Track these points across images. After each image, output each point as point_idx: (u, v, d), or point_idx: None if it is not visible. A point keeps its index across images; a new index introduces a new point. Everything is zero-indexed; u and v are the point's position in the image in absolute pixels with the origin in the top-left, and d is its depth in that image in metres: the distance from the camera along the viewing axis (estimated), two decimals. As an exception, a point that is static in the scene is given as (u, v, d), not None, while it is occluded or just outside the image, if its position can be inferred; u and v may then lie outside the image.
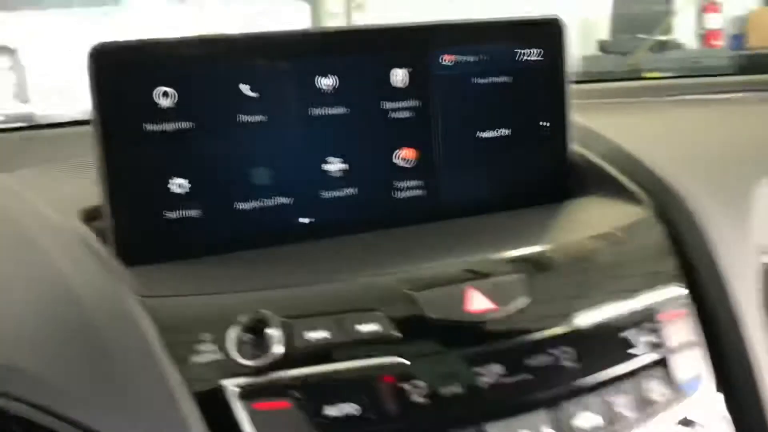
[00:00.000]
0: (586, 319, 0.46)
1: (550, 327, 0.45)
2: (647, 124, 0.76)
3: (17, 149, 0.75)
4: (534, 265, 0.48)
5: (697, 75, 1.21)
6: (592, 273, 0.49)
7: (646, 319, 0.47)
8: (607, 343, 0.45)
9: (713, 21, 4.26)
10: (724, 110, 0.87)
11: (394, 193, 0.57)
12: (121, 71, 0.49)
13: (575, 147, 0.61)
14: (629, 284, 0.49)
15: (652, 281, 0.50)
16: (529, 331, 0.44)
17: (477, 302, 0.44)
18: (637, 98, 0.94)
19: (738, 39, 4.25)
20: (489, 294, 0.45)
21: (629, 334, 0.46)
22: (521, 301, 0.45)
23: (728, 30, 4.27)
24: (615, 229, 0.53)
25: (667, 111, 0.87)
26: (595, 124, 0.66)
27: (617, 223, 0.53)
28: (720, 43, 4.15)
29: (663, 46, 3.72)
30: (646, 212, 0.55)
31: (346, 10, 4.15)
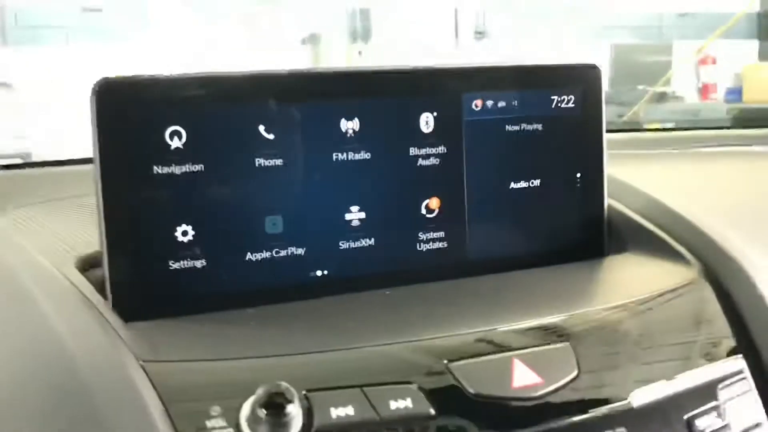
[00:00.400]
0: (640, 395, 0.41)
1: (600, 404, 0.40)
2: (667, 176, 0.73)
3: (12, 188, 0.71)
4: (579, 332, 0.44)
5: (698, 128, 1.19)
6: (642, 341, 0.44)
7: (705, 394, 0.42)
8: (664, 424, 0.40)
9: (709, 74, 4.30)
10: (736, 162, 0.84)
11: (418, 245, 0.52)
12: (128, 109, 0.45)
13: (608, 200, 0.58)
14: (683, 354, 0.45)
15: (709, 351, 0.45)
16: (578, 410, 0.39)
17: (523, 376, 0.39)
18: (642, 150, 0.91)
19: (735, 93, 4.29)
20: (534, 366, 0.40)
21: (688, 413, 0.41)
22: (569, 374, 0.40)
23: (725, 83, 4.30)
24: (663, 291, 0.48)
25: (680, 163, 0.83)
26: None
27: (664, 285, 0.49)
28: (717, 96, 4.18)
29: (662, 97, 3.75)
30: (693, 272, 0.51)
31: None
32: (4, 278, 0.44)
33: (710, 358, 0.44)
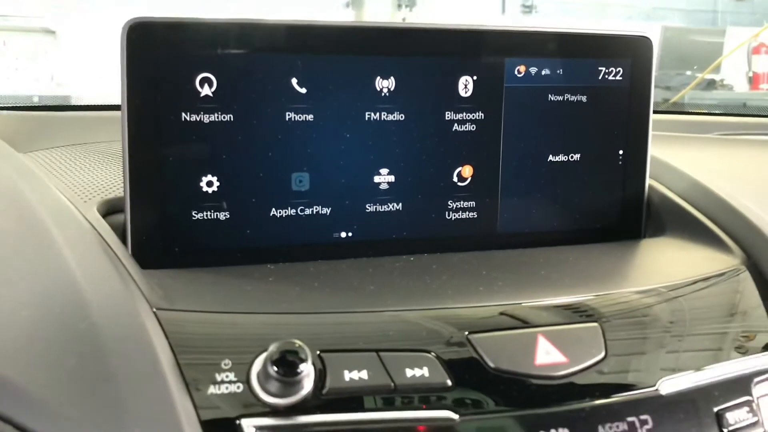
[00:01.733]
0: (668, 383, 0.39)
1: (626, 390, 0.38)
2: (712, 160, 0.70)
3: (44, 129, 0.71)
4: (609, 313, 0.42)
5: (746, 114, 1.14)
6: (675, 328, 0.42)
7: (738, 388, 0.40)
8: (692, 415, 0.38)
9: (761, 63, 4.15)
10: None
11: (447, 214, 0.51)
12: (159, 51, 0.43)
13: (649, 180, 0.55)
14: (717, 344, 0.42)
15: (744, 344, 0.43)
16: (602, 393, 0.38)
17: (547, 354, 0.38)
18: (686, 133, 0.87)
19: (789, 84, 4.14)
20: (559, 344, 0.38)
21: (718, 406, 0.39)
22: (595, 355, 0.39)
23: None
24: (700, 278, 0.46)
25: (726, 148, 0.80)
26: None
27: (702, 271, 0.47)
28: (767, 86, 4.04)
29: (710, 84, 3.64)
30: (733, 260, 0.49)
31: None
32: (25, 215, 0.43)
33: (745, 351, 0.42)
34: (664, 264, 0.50)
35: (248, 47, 0.45)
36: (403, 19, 4.20)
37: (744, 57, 3.93)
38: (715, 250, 0.50)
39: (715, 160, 0.72)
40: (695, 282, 0.46)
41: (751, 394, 0.40)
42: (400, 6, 4.31)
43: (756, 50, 4.19)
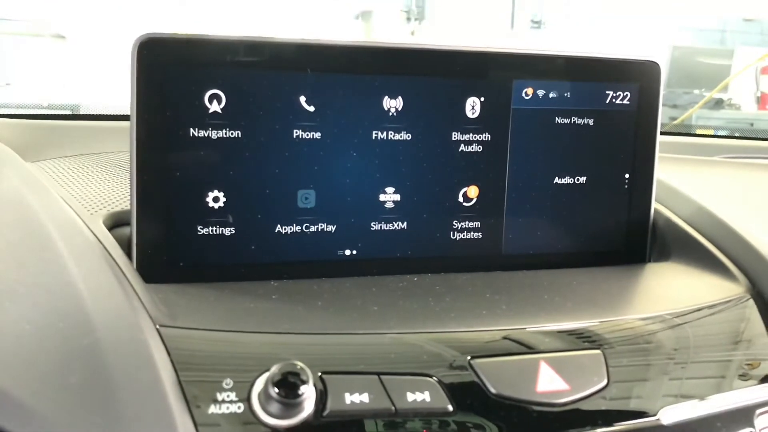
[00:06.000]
0: (670, 413, 0.39)
1: (627, 418, 0.38)
2: (718, 184, 0.69)
3: (52, 138, 0.71)
4: (613, 340, 0.41)
5: (753, 137, 1.14)
6: (678, 356, 0.42)
7: (740, 419, 0.40)
8: (693, 445, 0.38)
9: (770, 84, 4.13)
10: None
11: (452, 234, 0.51)
12: (169, 67, 0.44)
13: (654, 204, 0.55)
14: (721, 373, 0.42)
15: (748, 373, 0.42)
16: (603, 421, 0.37)
17: (549, 380, 0.37)
18: (693, 155, 0.87)
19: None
20: (561, 371, 0.38)
21: (721, 436, 0.39)
22: (598, 383, 0.38)
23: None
24: (704, 305, 0.46)
25: (733, 172, 0.80)
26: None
27: (707, 298, 0.46)
28: (775, 107, 4.03)
29: (718, 104, 3.63)
30: (738, 288, 0.48)
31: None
32: (30, 226, 0.43)
33: (749, 380, 0.42)
34: (669, 290, 0.49)
35: (257, 64, 0.45)
36: (412, 32, 4.21)
37: (752, 77, 3.92)
38: (719, 278, 0.50)
39: (720, 183, 0.72)
40: (699, 309, 0.45)
41: (753, 426, 0.40)
42: (409, 19, 4.33)
43: (765, 70, 4.18)
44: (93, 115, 0.82)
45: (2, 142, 0.62)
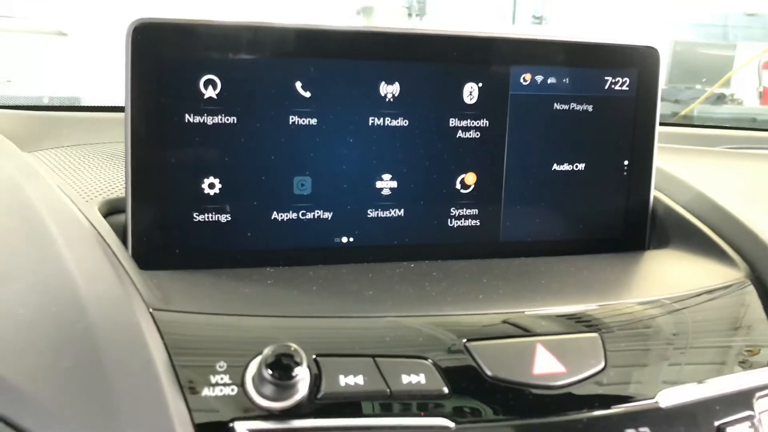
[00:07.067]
0: (668, 396, 0.38)
1: (625, 401, 0.38)
2: (718, 173, 0.69)
3: (50, 129, 0.71)
4: (610, 323, 0.41)
5: (754, 128, 1.13)
6: (677, 340, 0.42)
7: (739, 403, 0.39)
8: (692, 429, 0.38)
9: (772, 79, 4.12)
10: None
11: (449, 221, 0.50)
12: (163, 52, 0.43)
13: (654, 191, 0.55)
14: (719, 358, 0.42)
15: (747, 358, 0.42)
16: (600, 404, 0.37)
17: (545, 363, 0.37)
18: (692, 145, 0.87)
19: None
20: (558, 354, 0.38)
21: (719, 420, 0.38)
22: (595, 366, 0.38)
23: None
24: (703, 290, 0.45)
25: (732, 162, 0.79)
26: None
27: (706, 283, 0.46)
28: (777, 102, 4.01)
29: (720, 99, 3.62)
30: (737, 273, 0.48)
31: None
32: (25, 213, 0.43)
33: (748, 365, 0.42)
34: (667, 276, 0.49)
35: (253, 50, 0.45)
36: (414, 28, 4.21)
37: (755, 72, 3.91)
38: (719, 263, 0.50)
39: (721, 173, 0.71)
40: (698, 294, 0.45)
41: (753, 409, 0.39)
42: (410, 15, 4.32)
43: (767, 65, 4.17)
44: (91, 106, 0.82)
45: (0, 133, 0.61)
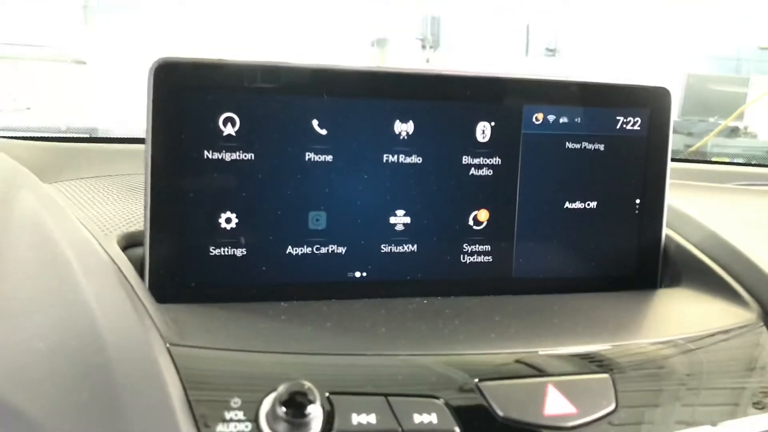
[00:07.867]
0: (680, 439, 0.38)
1: (636, 443, 0.38)
2: (730, 211, 0.69)
3: (69, 160, 0.72)
4: (622, 364, 0.41)
5: (763, 165, 1.13)
6: (689, 381, 0.41)
7: (753, 448, 0.39)
8: (704, 474, 0.38)
9: (787, 112, 4.11)
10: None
11: (462, 257, 0.51)
12: (184, 90, 0.44)
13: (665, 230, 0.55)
14: (732, 399, 0.42)
15: (761, 400, 0.42)
16: (612, 446, 0.37)
17: (556, 404, 0.37)
18: (705, 182, 0.87)
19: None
20: (569, 394, 0.38)
21: (732, 465, 0.38)
22: (606, 407, 0.38)
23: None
24: (716, 331, 0.45)
25: (745, 199, 0.79)
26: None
27: (717, 324, 0.46)
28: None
29: (734, 132, 3.62)
30: (750, 314, 0.48)
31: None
32: (45, 245, 0.44)
33: (761, 407, 0.41)
34: (680, 315, 0.49)
35: (271, 89, 0.46)
36: (427, 60, 4.25)
37: (768, 105, 3.90)
38: (731, 304, 0.50)
39: (733, 210, 0.71)
40: (711, 335, 0.45)
41: None
42: (424, 46, 4.37)
43: (781, 98, 4.16)
44: (110, 138, 0.83)
45: (21, 164, 0.63)
